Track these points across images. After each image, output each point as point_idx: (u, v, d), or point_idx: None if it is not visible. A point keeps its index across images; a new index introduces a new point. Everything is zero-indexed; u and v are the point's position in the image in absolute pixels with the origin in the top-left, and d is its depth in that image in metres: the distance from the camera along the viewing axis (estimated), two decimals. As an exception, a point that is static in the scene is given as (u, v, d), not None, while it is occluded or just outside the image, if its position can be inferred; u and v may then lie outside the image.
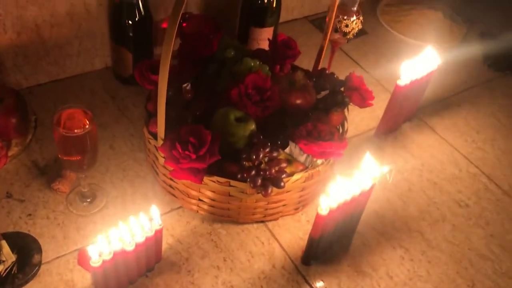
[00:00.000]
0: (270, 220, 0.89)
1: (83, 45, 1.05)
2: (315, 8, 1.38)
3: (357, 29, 1.04)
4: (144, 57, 1.06)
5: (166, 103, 0.75)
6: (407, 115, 1.11)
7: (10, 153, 0.87)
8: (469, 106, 1.20)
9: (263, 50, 1.03)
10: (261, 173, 0.78)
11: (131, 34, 1.01)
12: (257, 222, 0.88)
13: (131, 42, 1.02)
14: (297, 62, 1.01)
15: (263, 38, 1.14)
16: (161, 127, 0.79)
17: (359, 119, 1.10)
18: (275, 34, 1.15)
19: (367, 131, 1.10)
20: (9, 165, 0.88)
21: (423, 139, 1.10)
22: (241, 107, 0.85)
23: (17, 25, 0.94)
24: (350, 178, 0.76)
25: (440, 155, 1.07)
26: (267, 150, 0.79)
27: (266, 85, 0.88)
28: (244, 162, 0.79)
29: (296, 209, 0.90)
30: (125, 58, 1.03)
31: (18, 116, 0.87)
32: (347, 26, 1.02)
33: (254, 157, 0.78)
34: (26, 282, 0.73)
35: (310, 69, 1.03)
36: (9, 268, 0.72)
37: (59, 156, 0.77)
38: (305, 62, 1.08)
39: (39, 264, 0.75)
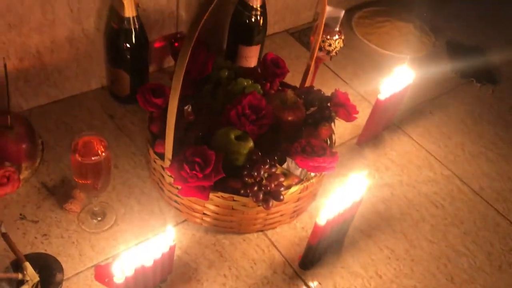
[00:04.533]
0: (269, 229, 0.96)
1: (80, 67, 1.09)
2: (294, 21, 1.46)
3: (339, 47, 1.12)
4: (141, 77, 1.12)
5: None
6: (386, 123, 1.21)
7: (21, 177, 0.91)
8: (440, 113, 1.31)
9: (254, 69, 1.11)
10: (263, 188, 0.86)
11: (128, 57, 1.06)
12: (257, 231, 0.96)
13: (128, 64, 1.07)
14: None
15: (251, 55, 1.21)
16: (169, 149, 0.86)
17: (342, 129, 1.19)
18: (261, 52, 1.22)
19: (349, 139, 1.19)
20: (20, 188, 0.93)
21: (401, 145, 1.20)
22: (239, 126, 0.92)
23: (20, 52, 0.99)
24: (342, 194, 0.84)
25: (416, 160, 1.17)
26: (267, 166, 0.87)
27: (261, 105, 0.95)
28: (246, 179, 0.86)
29: (292, 217, 0.98)
30: (123, 79, 1.09)
31: (28, 142, 0.92)
32: (330, 45, 1.10)
33: (255, 173, 0.86)
34: (51, 299, 0.79)
35: (295, 81, 1.11)
36: (34, 288, 0.77)
37: (75, 179, 0.83)
38: (290, 73, 1.14)
39: (61, 282, 0.81)
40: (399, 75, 1.10)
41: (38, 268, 0.80)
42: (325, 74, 1.35)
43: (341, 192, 0.84)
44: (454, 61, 1.46)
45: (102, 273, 0.85)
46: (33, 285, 0.77)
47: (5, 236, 0.80)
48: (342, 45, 1.12)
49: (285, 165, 0.91)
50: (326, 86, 1.30)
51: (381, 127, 1.19)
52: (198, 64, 1.03)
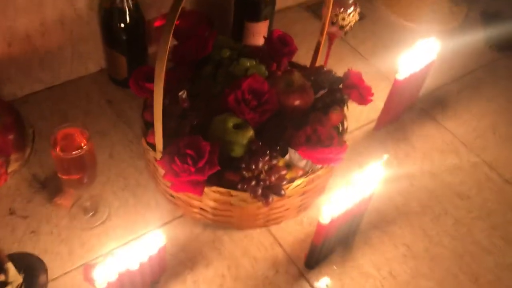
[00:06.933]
0: (273, 225, 0.89)
1: (76, 50, 1.03)
2: (310, -7, 1.35)
3: (354, 21, 1.02)
4: (138, 59, 1.05)
5: (163, 113, 0.74)
6: (407, 105, 1.10)
7: (10, 169, 0.87)
8: (470, 92, 1.19)
9: (259, 47, 1.01)
10: (261, 182, 0.78)
11: (123, 38, 0.99)
12: (260, 227, 0.89)
13: (124, 45, 1.00)
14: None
15: (259, 32, 1.12)
16: (158, 141, 0.79)
17: (358, 112, 1.09)
18: (270, 29, 1.13)
19: (367, 123, 1.09)
20: (10, 180, 0.88)
21: (424, 129, 1.09)
22: (238, 113, 0.84)
23: (7, 36, 0.93)
24: (350, 187, 0.76)
25: (440, 146, 1.06)
26: (266, 158, 0.79)
27: (263, 89, 0.87)
28: (244, 172, 0.79)
29: (298, 212, 0.90)
30: (119, 61, 1.02)
31: (16, 132, 0.87)
32: (344, 19, 1.00)
33: (253, 167, 0.78)
34: (35, 303, 0.74)
35: (308, 59, 1.01)
36: (16, 290, 0.73)
37: (59, 175, 0.77)
38: (303, 51, 1.06)
39: (46, 283, 0.76)
40: (421, 51, 0.99)
41: (22, 269, 0.75)
42: (342, 49, 1.24)
43: (348, 187, 0.75)
44: (489, 33, 1.32)
45: (90, 273, 0.80)
46: (16, 287, 0.73)
47: (-12, 234, 0.76)
48: (357, 18, 1.02)
49: (287, 157, 0.83)
50: (343, 63, 1.20)
51: (402, 109, 1.09)
52: (197, 40, 0.94)
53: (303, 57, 1.04)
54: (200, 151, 0.77)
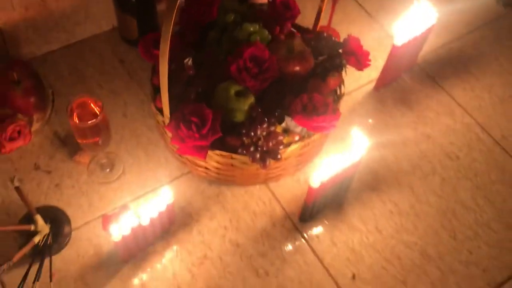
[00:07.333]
0: (272, 182, 0.98)
1: (89, 11, 1.08)
2: None
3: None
4: (148, 20, 1.09)
5: (170, 79, 0.80)
6: (407, 67, 1.14)
7: (33, 129, 0.96)
8: (472, 51, 1.21)
9: (263, 11, 1.05)
10: (259, 148, 0.86)
11: (133, 0, 1.03)
12: (260, 183, 0.97)
13: (134, 8, 1.04)
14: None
15: (265, -10, 1.14)
16: (165, 106, 0.86)
17: (359, 72, 1.13)
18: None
19: (367, 83, 1.13)
20: (34, 138, 0.97)
21: (422, 89, 1.13)
22: (240, 81, 0.90)
23: (24, 1, 0.98)
24: (338, 155, 0.83)
25: (436, 106, 1.11)
26: (265, 126, 0.86)
27: (264, 56, 0.92)
28: (244, 138, 0.86)
29: (296, 170, 0.98)
30: (130, 23, 1.07)
31: (37, 94, 0.95)
32: (346, -17, 1.02)
33: (252, 134, 0.85)
34: (60, 249, 0.86)
35: (314, 17, 1.04)
36: (44, 239, 0.84)
37: (77, 139, 0.86)
38: (309, 9, 1.08)
39: (70, 234, 0.87)
40: (418, 16, 1.01)
41: (49, 220, 0.86)
42: (347, 5, 1.25)
43: (336, 155, 0.82)
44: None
45: (108, 223, 0.90)
46: (43, 236, 0.84)
47: (18, 189, 0.86)
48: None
49: (284, 124, 0.89)
50: (348, 20, 1.23)
51: (402, 69, 1.13)
52: (203, 7, 0.98)
53: (309, 14, 1.06)
54: (204, 118, 0.85)
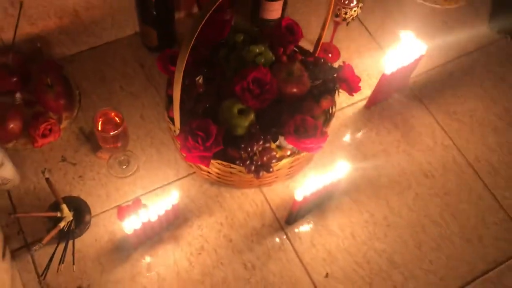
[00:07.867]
0: (265, 186, 1.12)
1: (115, 19, 1.20)
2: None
3: (356, 14, 1.14)
4: (167, 30, 1.21)
5: (183, 92, 0.93)
6: (398, 87, 1.25)
7: (62, 126, 1.10)
8: (461, 74, 1.31)
9: (271, 32, 1.16)
10: (254, 162, 1.00)
11: (154, 13, 1.15)
12: (254, 187, 1.11)
13: (156, 21, 1.17)
14: (305, 25, 1.14)
15: (275, 9, 1.25)
16: (177, 120, 0.99)
17: (354, 89, 1.25)
18: (286, 3, 1.26)
19: (360, 100, 1.25)
20: (62, 133, 1.12)
21: (409, 110, 1.25)
22: (243, 100, 1.03)
23: (59, 12, 1.11)
24: (322, 174, 0.96)
25: (420, 127, 1.23)
26: (261, 143, 1.00)
27: (266, 79, 1.04)
28: (242, 152, 1.00)
29: (286, 179, 1.12)
30: (150, 33, 1.19)
31: (66, 98, 1.09)
32: (346, 13, 1.13)
33: (249, 149, 0.99)
34: (81, 234, 1.02)
35: (317, 33, 1.14)
36: (68, 225, 1.00)
37: (99, 143, 1.00)
38: (314, 25, 1.20)
39: (90, 221, 1.03)
40: (408, 47, 1.12)
41: (72, 208, 1.02)
42: (351, 22, 1.35)
43: (318, 176, 0.96)
44: (496, 14, 1.40)
45: (123, 213, 1.06)
46: (67, 222, 1.00)
47: (48, 181, 1.01)
48: (360, 11, 1.14)
49: (277, 142, 1.03)
50: (349, 39, 1.33)
51: (392, 92, 1.24)
52: (218, 26, 1.11)
53: (314, 29, 1.20)
54: (209, 133, 0.98)
